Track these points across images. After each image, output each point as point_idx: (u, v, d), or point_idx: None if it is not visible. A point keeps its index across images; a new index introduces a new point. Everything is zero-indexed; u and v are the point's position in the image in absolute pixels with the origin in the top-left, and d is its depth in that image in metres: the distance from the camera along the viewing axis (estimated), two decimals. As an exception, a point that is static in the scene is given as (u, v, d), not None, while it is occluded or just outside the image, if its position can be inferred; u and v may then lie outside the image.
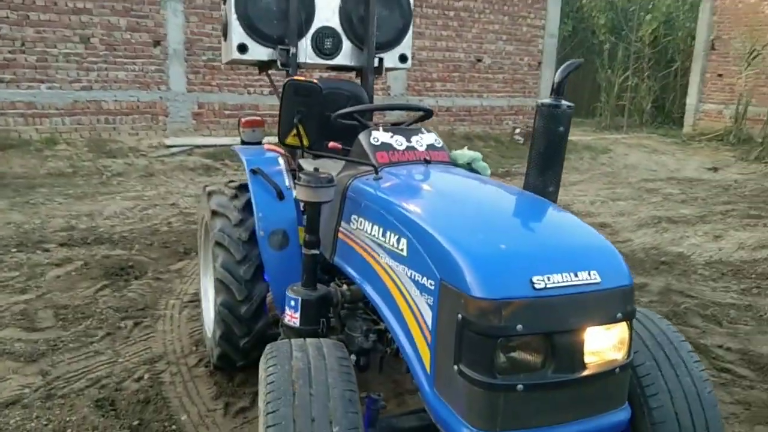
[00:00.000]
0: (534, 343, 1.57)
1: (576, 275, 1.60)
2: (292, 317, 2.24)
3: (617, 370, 1.66)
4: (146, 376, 3.13)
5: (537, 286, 1.55)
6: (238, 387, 3.03)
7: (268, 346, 1.87)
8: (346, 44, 3.45)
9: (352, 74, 3.79)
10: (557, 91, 2.24)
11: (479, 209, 1.93)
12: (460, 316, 1.57)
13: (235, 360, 2.97)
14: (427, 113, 2.68)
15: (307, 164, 3.01)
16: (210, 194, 3.09)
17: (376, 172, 2.25)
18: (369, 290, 2.08)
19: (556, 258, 1.64)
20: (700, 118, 15.47)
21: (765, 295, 4.74)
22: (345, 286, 2.37)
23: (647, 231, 6.58)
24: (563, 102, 2.23)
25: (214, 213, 2.95)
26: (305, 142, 2.27)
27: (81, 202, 6.62)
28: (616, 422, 1.68)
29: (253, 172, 2.88)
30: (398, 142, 2.43)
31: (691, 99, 15.76)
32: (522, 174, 2.91)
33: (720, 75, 15.12)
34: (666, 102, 18.00)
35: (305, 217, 2.27)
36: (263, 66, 3.47)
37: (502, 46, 12.52)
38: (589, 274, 1.62)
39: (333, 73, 4.22)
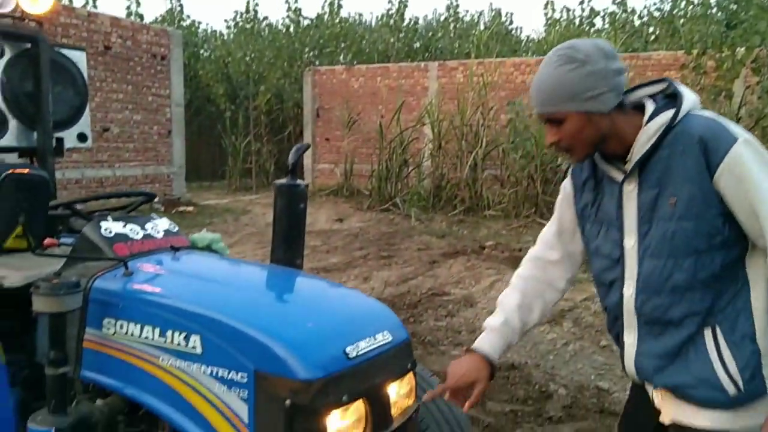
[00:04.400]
0: (356, 409, 1.69)
1: (375, 338, 1.79)
2: (45, 454, 1.86)
3: (413, 415, 1.89)
4: None
5: (351, 355, 1.68)
6: None
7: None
8: (13, 123, 3.01)
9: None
10: (292, 172, 2.43)
11: (263, 292, 1.96)
12: (288, 402, 1.59)
13: None
14: (149, 197, 2.55)
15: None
16: None
17: (126, 267, 2.06)
18: (143, 397, 1.88)
19: (356, 326, 1.81)
20: (317, 176, 17.45)
21: (419, 322, 5.67)
22: (99, 401, 2.07)
23: (310, 283, 7.17)
24: (299, 181, 2.43)
25: None
26: (33, 243, 1.94)
27: None
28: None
29: None
30: (133, 230, 2.26)
31: (307, 160, 17.66)
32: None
33: (327, 139, 17.38)
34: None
35: (48, 332, 1.92)
36: None
37: (129, 115, 12.11)
38: (383, 335, 1.82)
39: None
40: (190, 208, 12.47)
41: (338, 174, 16.49)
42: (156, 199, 11.96)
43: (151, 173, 12.67)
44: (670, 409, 1.66)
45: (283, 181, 2.38)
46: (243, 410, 1.67)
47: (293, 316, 1.80)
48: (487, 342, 1.81)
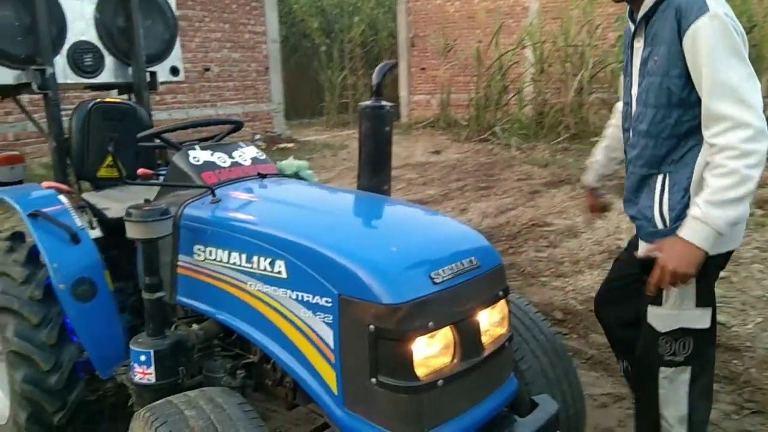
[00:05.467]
0: (444, 336, 1.61)
1: (462, 264, 1.68)
2: (144, 374, 1.94)
3: (506, 343, 1.79)
4: None
5: (436, 280, 1.59)
6: (54, 473, 2.53)
7: (143, 413, 1.61)
8: (109, 59, 3.08)
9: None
10: (377, 92, 2.30)
11: (348, 217, 1.90)
12: (372, 327, 1.53)
13: (49, 442, 2.48)
14: (237, 125, 2.53)
15: (95, 198, 2.63)
16: (-26, 255, 2.51)
17: (213, 194, 2.06)
18: (236, 323, 1.91)
19: (442, 251, 1.70)
20: (413, 108, 17.19)
21: (518, 253, 5.51)
22: (195, 325, 2.14)
23: (407, 215, 7.13)
24: (384, 103, 2.30)
25: (-11, 274, 2.41)
26: (124, 172, 1.97)
27: None
28: (511, 392, 1.82)
29: (34, 215, 2.41)
30: (221, 159, 2.26)
31: (402, 92, 17.40)
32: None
33: (423, 68, 16.96)
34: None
35: (142, 258, 1.98)
36: (9, 92, 2.91)
37: (227, 54, 12.33)
38: (471, 261, 1.71)
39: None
40: (291, 145, 12.71)
41: (434, 105, 16.15)
42: (257, 137, 12.30)
43: (252, 111, 12.95)
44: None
45: (367, 102, 2.27)
46: (328, 335, 1.64)
47: (378, 240, 1.73)
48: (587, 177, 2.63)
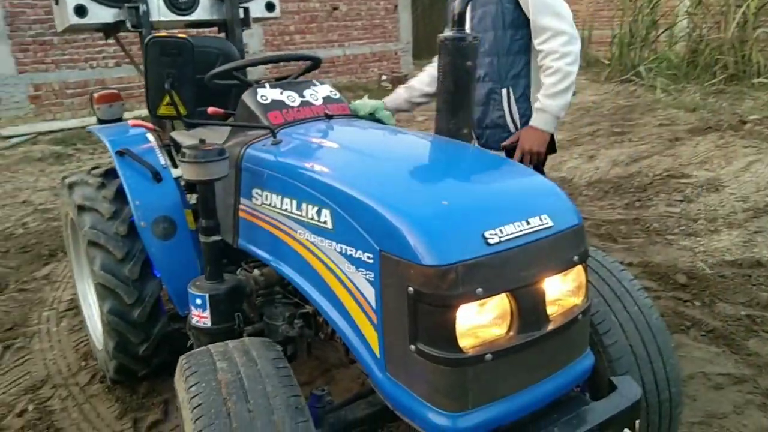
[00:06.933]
0: (496, 305, 1.40)
1: (528, 222, 1.44)
2: (201, 317, 1.92)
3: (579, 316, 1.54)
4: (31, 407, 2.67)
5: (491, 241, 1.37)
6: (144, 399, 2.67)
7: (182, 360, 1.57)
8: None
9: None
10: (459, 22, 2.03)
11: (404, 165, 1.70)
12: (411, 289, 1.36)
13: (136, 370, 2.61)
14: (315, 62, 2.39)
15: (182, 137, 2.63)
16: (71, 186, 2.63)
17: (274, 136, 1.95)
18: (289, 272, 1.81)
19: (503, 207, 1.47)
20: (551, 46, 16.12)
21: (646, 207, 4.99)
22: (256, 271, 2.08)
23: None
24: (467, 33, 2.03)
25: (81, 208, 2.51)
26: (182, 111, 1.91)
27: None
28: (583, 371, 1.57)
29: (120, 153, 2.46)
30: (290, 98, 2.14)
31: (540, 29, 16.37)
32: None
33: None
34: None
35: (198, 199, 1.94)
36: (109, 30, 2.98)
37: (356, -8, 12.19)
38: (541, 219, 1.46)
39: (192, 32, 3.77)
40: (417, 85, 12.46)
41: (574, 43, 15.02)
42: (384, 77, 12.16)
43: (379, 51, 12.79)
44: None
45: (447, 33, 2.01)
46: (370, 293, 1.49)
47: (429, 192, 1.52)
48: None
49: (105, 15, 2.79)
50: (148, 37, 1.83)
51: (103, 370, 2.78)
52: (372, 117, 2.30)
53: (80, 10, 2.74)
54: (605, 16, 14.29)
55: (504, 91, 2.50)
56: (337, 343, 1.86)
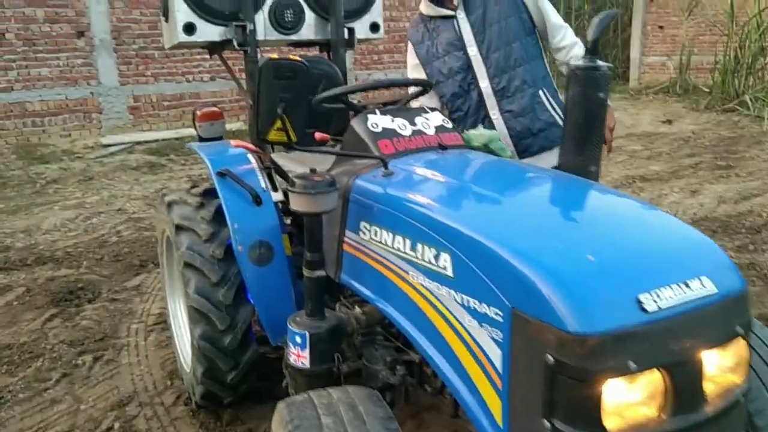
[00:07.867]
0: (648, 381, 1.20)
1: (688, 286, 1.24)
2: (299, 357, 1.81)
3: (741, 397, 1.31)
4: (117, 425, 2.65)
5: (647, 307, 1.18)
6: (227, 427, 2.59)
7: (282, 408, 1.45)
8: (309, 15, 2.98)
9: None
10: (592, 50, 1.86)
11: (535, 207, 1.53)
12: (550, 357, 1.18)
13: (223, 398, 2.53)
14: (426, 86, 2.26)
15: (284, 160, 2.56)
16: (170, 205, 2.60)
17: (386, 167, 1.82)
18: (395, 315, 1.67)
19: (659, 266, 1.27)
20: (645, 71, 15.47)
21: (761, 251, 4.56)
22: (357, 309, 1.95)
23: (624, 192, 6.36)
24: (600, 62, 1.85)
25: (179, 228, 2.47)
26: (293, 138, 1.82)
27: (15, 217, 5.92)
28: (741, 462, 1.34)
29: (221, 174, 2.41)
30: (402, 126, 2.01)
31: (634, 52, 15.73)
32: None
33: (661, 27, 15.10)
34: (608, 57, 17.98)
35: (305, 231, 1.83)
36: (214, 48, 2.96)
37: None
38: (702, 282, 1.26)
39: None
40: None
41: (671, 68, 14.35)
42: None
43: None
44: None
45: (579, 62, 1.84)
46: (496, 355, 1.32)
47: (570, 242, 1.34)
48: None
49: (212, 33, 2.77)
50: (264, 60, 1.74)
51: (189, 392, 2.72)
52: (486, 148, 2.14)
53: (189, 28, 2.73)
54: (706, 41, 13.59)
55: (541, 93, 2.61)
56: (446, 400, 1.70)
